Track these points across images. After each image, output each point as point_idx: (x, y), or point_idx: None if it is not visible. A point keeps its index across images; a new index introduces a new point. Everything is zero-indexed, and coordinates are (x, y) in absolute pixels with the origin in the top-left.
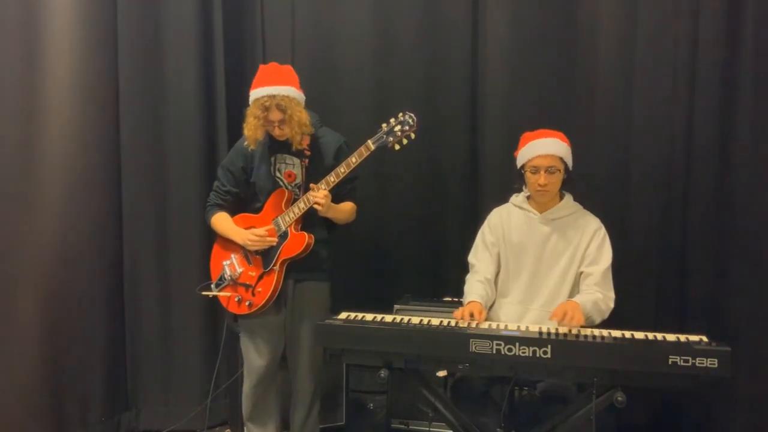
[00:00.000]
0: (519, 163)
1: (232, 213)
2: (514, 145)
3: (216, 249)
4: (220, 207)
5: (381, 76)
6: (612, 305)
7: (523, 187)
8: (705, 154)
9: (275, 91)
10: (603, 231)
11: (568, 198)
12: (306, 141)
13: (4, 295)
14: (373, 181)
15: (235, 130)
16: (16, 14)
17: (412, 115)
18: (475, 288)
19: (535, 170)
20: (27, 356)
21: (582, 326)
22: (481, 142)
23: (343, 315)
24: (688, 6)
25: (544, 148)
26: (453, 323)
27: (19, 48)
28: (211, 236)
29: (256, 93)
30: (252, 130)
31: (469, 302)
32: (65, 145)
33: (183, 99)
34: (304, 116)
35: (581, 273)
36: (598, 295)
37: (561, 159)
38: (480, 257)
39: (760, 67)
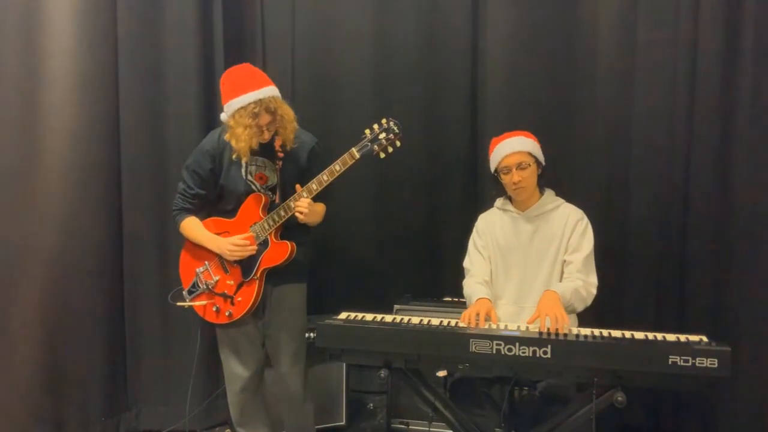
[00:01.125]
0: (492, 169)
1: (201, 216)
2: None
3: (185, 255)
4: (189, 211)
5: (381, 77)
6: (594, 291)
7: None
8: (705, 154)
9: (261, 94)
10: (585, 221)
11: (549, 193)
12: (278, 142)
13: (5, 295)
14: (374, 182)
15: None
16: (15, 13)
17: (397, 122)
18: (478, 289)
19: (507, 170)
20: (27, 356)
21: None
22: (480, 142)
23: (343, 315)
24: (688, 6)
25: (509, 147)
26: (453, 323)
27: (18, 47)
28: None
29: (239, 101)
30: (245, 141)
31: (478, 300)
32: (65, 146)
33: (183, 99)
34: (291, 113)
35: (564, 261)
36: (579, 282)
37: (529, 154)
38: (474, 261)
39: (760, 67)
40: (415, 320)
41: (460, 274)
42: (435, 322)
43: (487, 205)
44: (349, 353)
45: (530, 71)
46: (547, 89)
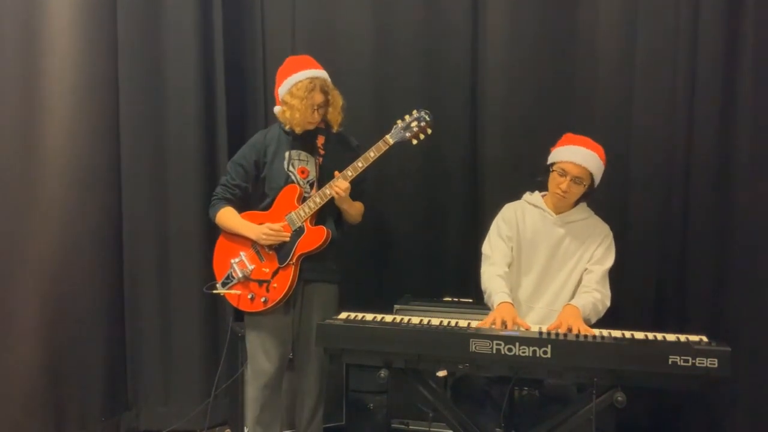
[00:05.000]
0: (551, 160)
1: (238, 211)
2: (514, 146)
3: (220, 246)
4: (228, 201)
5: (381, 76)
6: (608, 304)
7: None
8: (705, 154)
9: (316, 73)
10: (611, 237)
11: (583, 204)
12: (321, 140)
13: (4, 295)
14: (373, 181)
15: (235, 130)
16: (16, 15)
17: (428, 111)
18: (499, 284)
19: (563, 173)
20: (27, 356)
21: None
22: (480, 142)
23: (343, 315)
24: (688, 7)
25: (581, 158)
26: (453, 323)
27: (19, 49)
28: (211, 236)
29: (296, 77)
30: (301, 111)
31: (501, 305)
32: (65, 146)
33: (183, 99)
34: (341, 100)
35: (585, 270)
36: (597, 294)
37: (591, 174)
38: (496, 249)
39: (760, 67)
40: (415, 320)
41: (460, 273)
42: (435, 322)
43: (488, 204)
44: (349, 353)
45: (531, 69)
46: (547, 88)
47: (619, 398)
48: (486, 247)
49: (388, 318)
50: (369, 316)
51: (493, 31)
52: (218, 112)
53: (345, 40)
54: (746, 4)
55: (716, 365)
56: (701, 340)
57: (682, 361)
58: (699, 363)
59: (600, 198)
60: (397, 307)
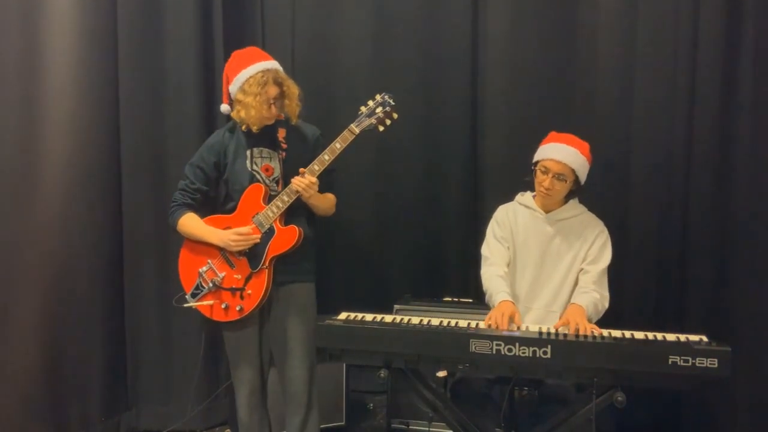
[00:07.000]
0: (535, 158)
1: (201, 216)
2: (514, 145)
3: (185, 256)
4: (189, 207)
5: (380, 76)
6: (607, 305)
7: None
8: (705, 154)
9: (268, 65)
10: (606, 234)
11: (574, 200)
12: (282, 133)
13: (4, 294)
14: (373, 182)
15: None
16: (15, 13)
17: (391, 95)
18: (499, 284)
19: (545, 171)
20: (27, 356)
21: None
22: (481, 142)
23: (343, 315)
24: (688, 6)
25: (560, 154)
26: (453, 323)
27: (18, 47)
28: None
29: (247, 72)
30: (257, 108)
31: (501, 303)
32: (65, 145)
33: (183, 98)
34: (296, 88)
35: (581, 270)
36: (596, 295)
37: (573, 170)
38: (494, 250)
39: (760, 67)
40: (415, 320)
41: (460, 274)
42: (435, 322)
43: (488, 204)
44: (349, 353)
45: (531, 69)
46: (547, 88)
47: (619, 398)
48: (485, 249)
49: (388, 318)
50: (369, 316)
51: (493, 31)
52: (218, 111)
53: (345, 40)
54: (746, 3)
55: (716, 365)
56: (701, 340)
57: (682, 361)
58: (699, 363)
59: (600, 197)
60: (397, 307)
